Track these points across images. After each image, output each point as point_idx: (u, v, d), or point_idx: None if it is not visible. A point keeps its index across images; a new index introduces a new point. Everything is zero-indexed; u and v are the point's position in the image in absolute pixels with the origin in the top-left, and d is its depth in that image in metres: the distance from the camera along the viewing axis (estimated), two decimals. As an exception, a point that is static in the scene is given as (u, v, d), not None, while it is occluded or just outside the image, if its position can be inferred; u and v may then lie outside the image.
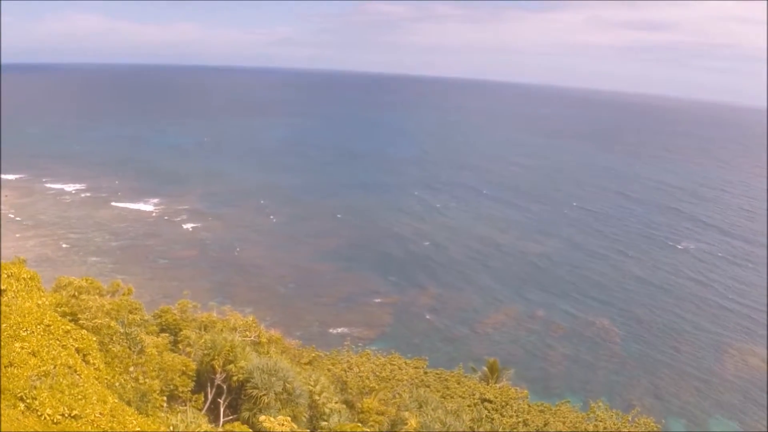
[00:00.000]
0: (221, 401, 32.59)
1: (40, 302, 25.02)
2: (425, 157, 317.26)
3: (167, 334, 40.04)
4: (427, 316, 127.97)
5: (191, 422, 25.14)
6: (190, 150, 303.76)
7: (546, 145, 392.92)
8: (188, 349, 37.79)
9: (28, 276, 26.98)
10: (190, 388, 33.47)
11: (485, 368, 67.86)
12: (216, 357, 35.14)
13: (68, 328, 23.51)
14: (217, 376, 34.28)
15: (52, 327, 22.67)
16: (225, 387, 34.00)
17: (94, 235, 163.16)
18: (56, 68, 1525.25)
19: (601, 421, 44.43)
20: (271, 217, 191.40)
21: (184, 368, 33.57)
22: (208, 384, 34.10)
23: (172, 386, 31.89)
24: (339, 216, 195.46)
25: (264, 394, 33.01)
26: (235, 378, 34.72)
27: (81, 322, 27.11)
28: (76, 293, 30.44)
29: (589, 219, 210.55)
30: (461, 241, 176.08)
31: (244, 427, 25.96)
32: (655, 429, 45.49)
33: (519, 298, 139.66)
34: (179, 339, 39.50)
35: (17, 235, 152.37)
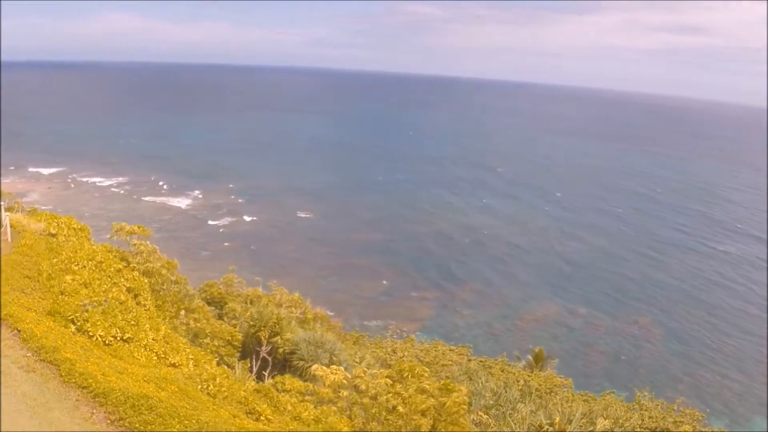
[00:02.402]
0: (266, 374, 32.10)
1: (90, 248, 24.79)
2: (458, 156, 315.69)
3: (213, 308, 39.79)
4: (467, 312, 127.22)
5: (239, 377, 24.70)
6: (224, 147, 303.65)
7: (580, 146, 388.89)
8: (233, 321, 37.49)
9: (79, 227, 26.83)
10: (235, 359, 33.06)
11: (530, 357, 67.17)
12: (262, 329, 34.85)
13: (120, 267, 23.29)
14: (263, 348, 33.95)
15: (104, 264, 22.43)
16: (270, 359, 33.61)
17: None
18: (96, 66, 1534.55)
19: (646, 411, 43.66)
20: (308, 213, 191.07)
21: (230, 338, 33.17)
22: (253, 356, 33.74)
23: (217, 355, 31.43)
24: (374, 213, 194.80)
25: (309, 366, 32.42)
26: (280, 350, 34.39)
27: (132, 265, 26.83)
28: (128, 238, 30.23)
29: (625, 220, 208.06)
30: (497, 239, 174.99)
31: (295, 379, 25.42)
32: (700, 418, 44.79)
33: (558, 296, 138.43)
34: (225, 312, 39.23)
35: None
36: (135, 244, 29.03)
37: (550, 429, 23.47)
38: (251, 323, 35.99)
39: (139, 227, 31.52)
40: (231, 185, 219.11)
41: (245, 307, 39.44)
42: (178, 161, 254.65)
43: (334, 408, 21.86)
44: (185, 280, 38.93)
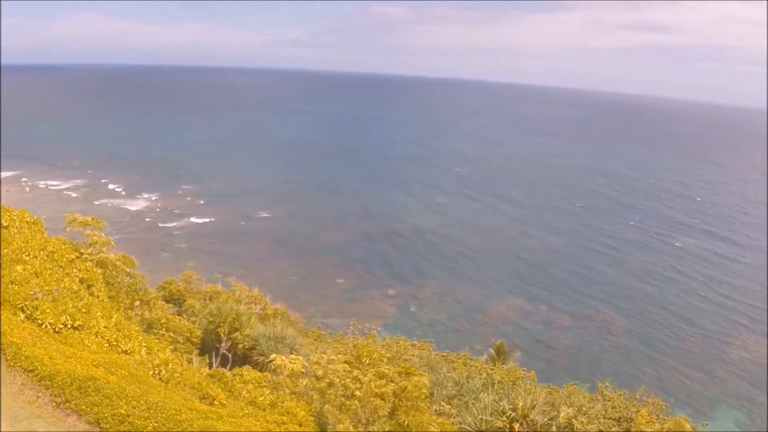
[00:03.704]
0: (226, 369, 31.77)
1: (42, 238, 24.43)
2: (424, 155, 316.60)
3: (171, 305, 39.44)
4: (428, 309, 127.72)
5: (196, 368, 24.43)
6: (192, 147, 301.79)
7: (542, 145, 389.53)
8: (192, 318, 37.12)
9: (32, 220, 26.44)
10: (194, 354, 32.65)
11: (492, 350, 67.23)
12: (221, 324, 34.53)
13: (73, 257, 22.91)
14: (222, 344, 33.68)
15: (56, 255, 22.09)
16: (230, 356, 33.35)
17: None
18: (64, 69, 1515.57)
19: (609, 401, 43.69)
20: (269, 213, 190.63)
21: (189, 334, 32.77)
22: (213, 352, 33.45)
23: (174, 348, 31.01)
24: (335, 213, 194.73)
25: (270, 361, 32.11)
26: (240, 346, 34.08)
27: (85, 256, 26.41)
28: (81, 229, 29.76)
29: (586, 216, 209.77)
30: (460, 237, 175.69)
31: (253, 370, 25.22)
32: (664, 407, 44.87)
33: (518, 293, 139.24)
34: (184, 308, 38.84)
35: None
36: (88, 235, 28.65)
37: (513, 414, 23.45)
38: (210, 319, 35.64)
39: (92, 219, 31.00)
40: (192, 186, 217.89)
41: (204, 304, 39.09)
42: (140, 163, 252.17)
43: (290, 394, 21.73)
44: (143, 276, 38.53)
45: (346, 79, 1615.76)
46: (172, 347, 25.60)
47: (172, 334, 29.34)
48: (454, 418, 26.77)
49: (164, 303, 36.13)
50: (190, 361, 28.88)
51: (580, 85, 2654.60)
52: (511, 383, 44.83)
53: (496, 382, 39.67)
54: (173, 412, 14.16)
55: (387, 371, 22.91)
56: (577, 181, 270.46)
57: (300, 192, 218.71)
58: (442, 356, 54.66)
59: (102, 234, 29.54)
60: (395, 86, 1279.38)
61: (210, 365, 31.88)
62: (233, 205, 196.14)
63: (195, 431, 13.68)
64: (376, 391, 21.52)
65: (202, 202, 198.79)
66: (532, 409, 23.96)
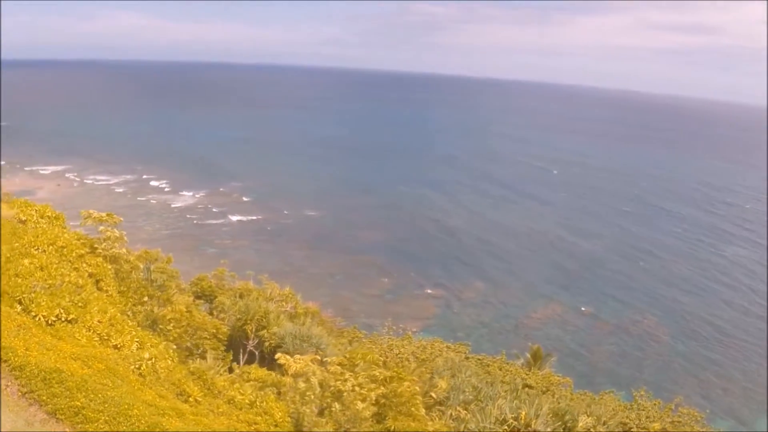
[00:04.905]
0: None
1: (53, 233, 24.77)
2: (464, 155, 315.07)
3: (203, 301, 39.70)
4: (471, 310, 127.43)
5: (210, 367, 24.52)
6: (232, 144, 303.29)
7: (584, 145, 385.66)
8: (222, 315, 37.33)
9: (53, 215, 26.78)
10: (219, 351, 32.77)
11: (528, 355, 66.82)
12: (249, 322, 34.72)
13: (83, 252, 23.17)
14: (250, 342, 33.83)
15: (65, 249, 22.38)
16: (257, 354, 33.52)
17: (144, 224, 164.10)
18: (102, 65, 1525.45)
19: (644, 410, 43.11)
20: (314, 212, 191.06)
21: (215, 330, 32.93)
22: (240, 350, 33.63)
23: (201, 348, 31.19)
24: (379, 211, 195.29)
25: (276, 359, 32.24)
26: (267, 344, 34.22)
27: (98, 251, 26.67)
28: (95, 224, 30.10)
29: (631, 220, 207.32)
30: (500, 239, 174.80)
31: (261, 369, 25.34)
32: (699, 418, 44.15)
33: (564, 295, 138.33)
34: (214, 305, 39.09)
35: (70, 223, 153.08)
36: (101, 231, 29.00)
37: (515, 423, 23.21)
38: (239, 317, 35.89)
39: (108, 215, 31.45)
40: (233, 184, 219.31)
41: (234, 301, 39.31)
42: (182, 160, 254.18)
43: (274, 393, 21.82)
44: (177, 274, 38.75)
45: (386, 77, 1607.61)
46: (165, 342, 25.73)
47: (175, 329, 29.49)
48: (468, 424, 26.62)
49: (189, 299, 36.27)
50: (204, 358, 29.05)
51: (627, 86, 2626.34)
52: (543, 389, 44.47)
53: (520, 387, 39.29)
54: (125, 407, 14.87)
55: (378, 375, 22.91)
56: (618, 185, 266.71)
57: (339, 191, 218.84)
58: (478, 359, 54.30)
59: (116, 230, 29.84)
60: (436, 85, 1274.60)
61: (237, 361, 32.15)
62: (275, 203, 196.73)
63: (142, 426, 14.49)
64: (362, 395, 21.52)
65: (245, 199, 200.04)
66: (536, 418, 23.69)
